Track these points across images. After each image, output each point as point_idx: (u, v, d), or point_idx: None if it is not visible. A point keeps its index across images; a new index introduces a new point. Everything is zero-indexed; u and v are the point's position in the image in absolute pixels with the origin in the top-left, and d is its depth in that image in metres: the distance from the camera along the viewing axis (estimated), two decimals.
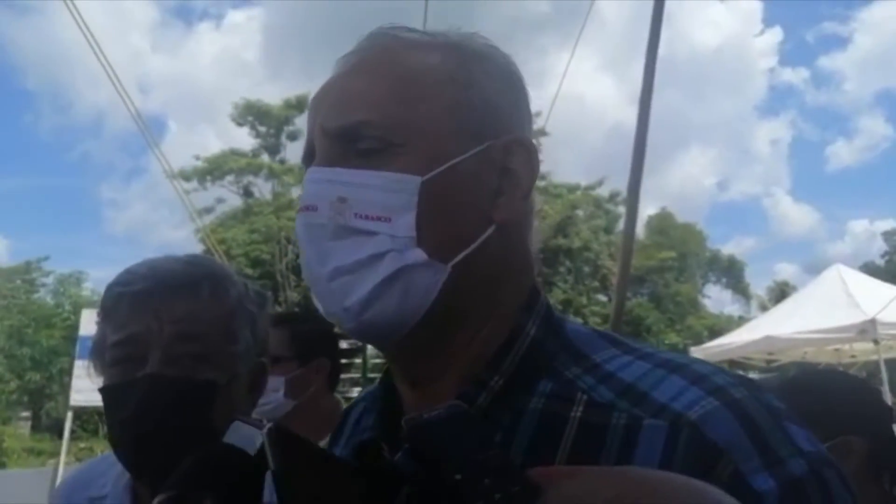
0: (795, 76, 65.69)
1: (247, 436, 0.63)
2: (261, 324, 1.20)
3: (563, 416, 0.63)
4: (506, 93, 0.74)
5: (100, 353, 1.12)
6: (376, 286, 0.65)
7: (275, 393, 2.26)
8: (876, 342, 8.37)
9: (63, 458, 10.84)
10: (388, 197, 0.65)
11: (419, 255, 0.65)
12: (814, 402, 1.55)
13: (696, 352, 11.08)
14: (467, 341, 0.69)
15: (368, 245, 0.65)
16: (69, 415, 11.06)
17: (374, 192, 0.66)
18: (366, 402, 0.86)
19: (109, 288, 1.13)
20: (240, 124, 27.92)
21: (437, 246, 0.66)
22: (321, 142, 0.70)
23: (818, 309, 9.30)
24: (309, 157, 0.72)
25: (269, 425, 0.60)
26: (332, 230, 0.66)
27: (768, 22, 67.61)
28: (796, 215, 62.26)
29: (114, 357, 1.07)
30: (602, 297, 27.23)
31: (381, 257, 0.65)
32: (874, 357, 8.86)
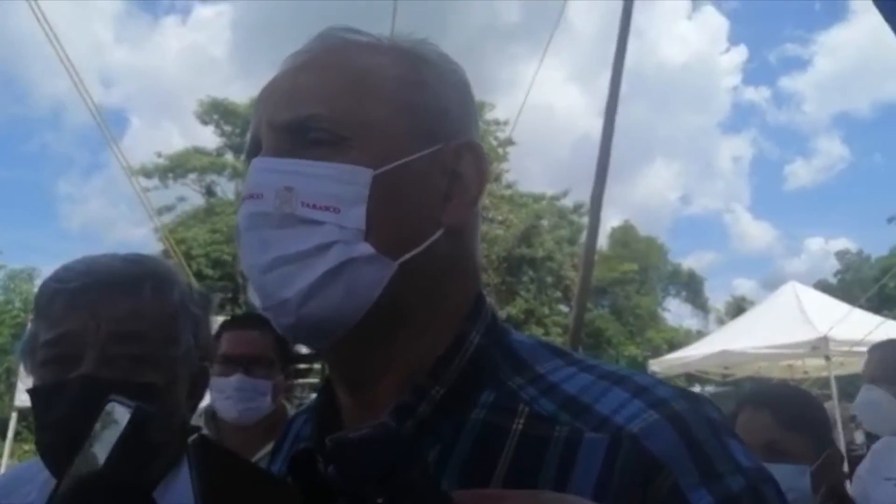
0: (758, 95, 67.10)
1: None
2: (204, 326, 1.17)
3: (504, 428, 0.62)
4: (456, 98, 0.74)
5: (31, 351, 1.07)
6: (319, 277, 0.63)
7: (262, 397, 2.22)
8: (827, 358, 8.59)
9: (5, 460, 10.52)
10: (338, 187, 0.64)
11: (367, 248, 0.64)
12: (814, 412, 1.60)
13: (655, 364, 11.24)
14: (408, 345, 0.68)
15: (314, 235, 0.63)
16: (13, 415, 10.72)
17: (323, 182, 0.64)
18: (308, 412, 0.83)
19: (45, 284, 1.09)
20: (205, 122, 27.51)
21: (385, 242, 0.64)
22: (268, 136, 0.69)
23: (773, 325, 9.52)
24: (253, 153, 0.71)
25: (192, 437, 0.56)
26: (277, 219, 0.64)
27: (734, 40, 69.34)
28: (755, 231, 63.74)
29: (45, 356, 1.03)
30: (564, 308, 27.43)
31: (328, 248, 0.63)
32: (825, 373, 9.07)
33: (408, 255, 0.66)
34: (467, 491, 0.46)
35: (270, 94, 0.71)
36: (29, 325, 1.12)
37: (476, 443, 0.62)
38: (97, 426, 0.62)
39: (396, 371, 0.67)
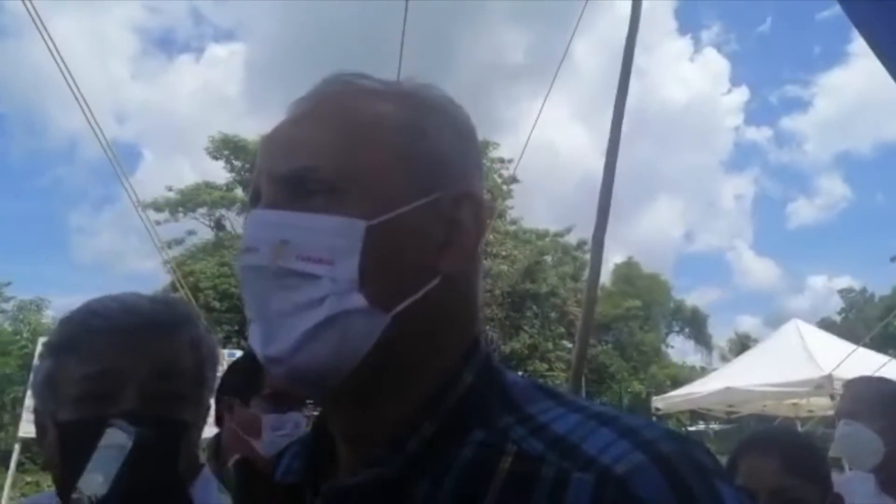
0: (759, 135, 67.83)
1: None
2: (218, 367, 1.22)
3: (491, 467, 0.61)
4: (457, 145, 0.74)
5: (54, 386, 1.07)
6: (310, 329, 0.63)
7: (296, 428, 2.22)
8: (832, 398, 8.50)
9: (7, 491, 10.45)
10: (332, 240, 0.64)
11: (359, 300, 0.64)
12: (819, 458, 1.61)
13: (659, 401, 11.17)
14: (402, 390, 0.67)
15: (308, 288, 0.64)
16: (17, 447, 10.69)
17: (317, 235, 0.65)
18: (297, 444, 0.83)
19: (79, 319, 1.10)
20: (215, 157, 27.82)
21: (378, 293, 0.65)
22: (267, 187, 0.69)
23: (777, 363, 9.45)
24: (255, 200, 0.72)
25: (235, 458, 0.62)
26: (271, 272, 0.65)
27: (735, 81, 69.95)
28: (758, 269, 63.62)
29: (83, 392, 1.04)
30: (568, 343, 27.27)
31: (321, 301, 0.63)
32: (830, 412, 9.00)
33: (402, 306, 0.65)
34: None
35: (270, 144, 0.72)
36: (44, 359, 1.11)
37: (463, 480, 0.61)
38: (99, 449, 0.64)
39: (389, 414, 0.67)
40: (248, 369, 2.29)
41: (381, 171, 0.68)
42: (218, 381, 1.28)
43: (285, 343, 0.64)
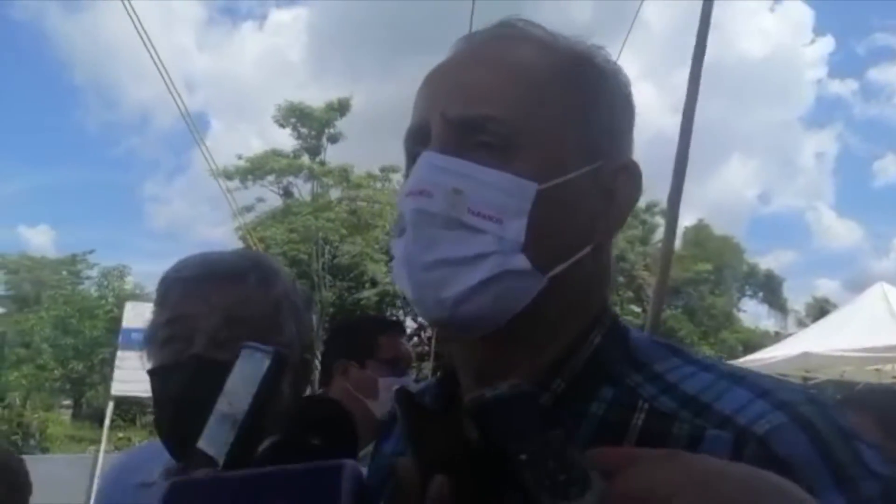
0: (844, 87, 63.99)
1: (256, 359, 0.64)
2: (305, 320, 1.22)
3: (623, 423, 0.62)
4: (623, 115, 0.74)
5: (152, 336, 1.15)
6: (475, 285, 0.65)
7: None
8: None
9: (104, 445, 11.15)
10: (503, 198, 0.65)
11: (522, 261, 0.65)
12: None
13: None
14: (541, 346, 0.70)
15: (476, 243, 0.65)
16: (110, 404, 11.38)
17: (490, 191, 0.65)
18: (419, 398, 0.83)
19: (165, 275, 1.18)
20: (282, 125, 28.32)
21: (539, 255, 0.66)
22: (440, 128, 0.68)
23: (860, 327, 9.10)
24: (417, 137, 0.71)
25: (396, 387, 0.63)
26: (443, 220, 0.65)
27: (819, 31, 65.84)
28: (839, 230, 60.63)
29: (164, 336, 1.11)
30: (636, 308, 26.91)
31: (486, 257, 0.65)
32: None
33: (558, 269, 0.67)
34: (606, 448, 0.47)
35: (444, 81, 0.71)
36: (151, 318, 1.18)
37: (596, 435, 0.62)
38: (234, 370, 0.66)
39: (525, 366, 0.68)
40: (360, 333, 2.38)
41: (556, 132, 0.68)
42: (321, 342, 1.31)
43: (448, 293, 0.65)
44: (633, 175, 0.73)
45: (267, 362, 0.62)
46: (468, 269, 0.65)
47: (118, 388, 10.41)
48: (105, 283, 26.02)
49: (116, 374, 10.44)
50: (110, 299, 24.01)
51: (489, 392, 0.49)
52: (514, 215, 0.65)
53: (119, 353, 10.48)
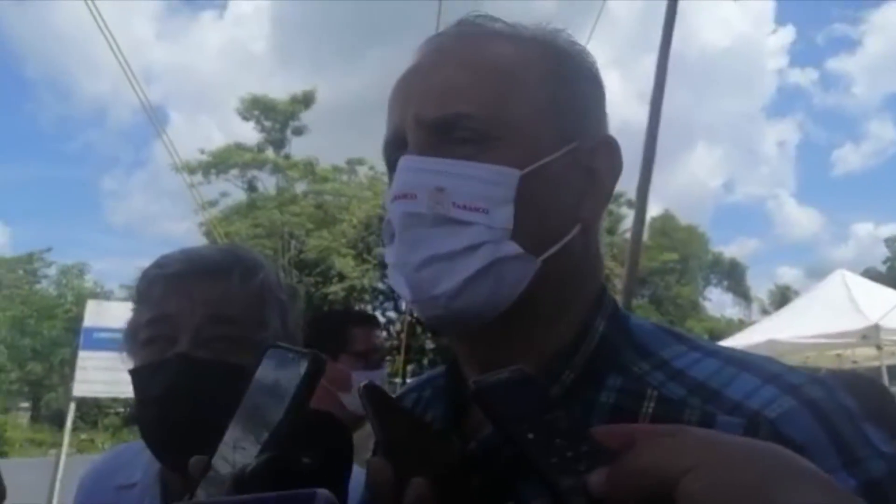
0: (804, 77, 65.61)
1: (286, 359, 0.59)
2: (291, 314, 1.19)
3: (633, 411, 0.63)
4: (592, 92, 0.75)
5: (133, 335, 1.11)
6: (470, 276, 0.65)
7: (383, 384, 2.30)
8: (879, 347, 8.37)
9: (65, 448, 10.88)
10: (487, 188, 0.66)
11: (513, 247, 0.66)
12: (889, 404, 1.56)
13: None
14: (542, 333, 0.70)
15: (464, 235, 0.65)
16: (72, 406, 11.09)
17: (472, 183, 0.66)
18: (419, 391, 0.86)
19: (146, 271, 1.14)
20: (245, 118, 27.97)
21: (529, 240, 0.66)
22: (415, 131, 0.69)
23: (821, 314, 9.31)
24: (394, 145, 0.72)
25: (363, 383, 0.61)
26: (430, 219, 0.66)
27: (780, 21, 67.19)
28: (800, 218, 62.40)
29: (146, 336, 1.08)
30: None
31: (477, 248, 0.65)
32: (876, 363, 8.85)
33: (550, 252, 0.67)
34: (612, 426, 0.47)
35: (414, 85, 0.72)
36: (131, 315, 1.15)
37: (608, 424, 0.62)
38: (259, 373, 0.61)
39: (530, 356, 0.68)
40: (333, 325, 2.34)
41: (530, 119, 0.69)
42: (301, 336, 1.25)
43: (443, 288, 0.66)
44: (611, 150, 0.73)
45: (304, 366, 0.56)
46: (461, 261, 0.66)
47: (79, 389, 10.15)
48: (63, 281, 25.48)
49: (78, 374, 10.17)
50: (69, 298, 23.50)
51: (492, 376, 0.50)
52: (500, 203, 0.66)
53: (80, 354, 10.22)
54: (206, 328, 1.05)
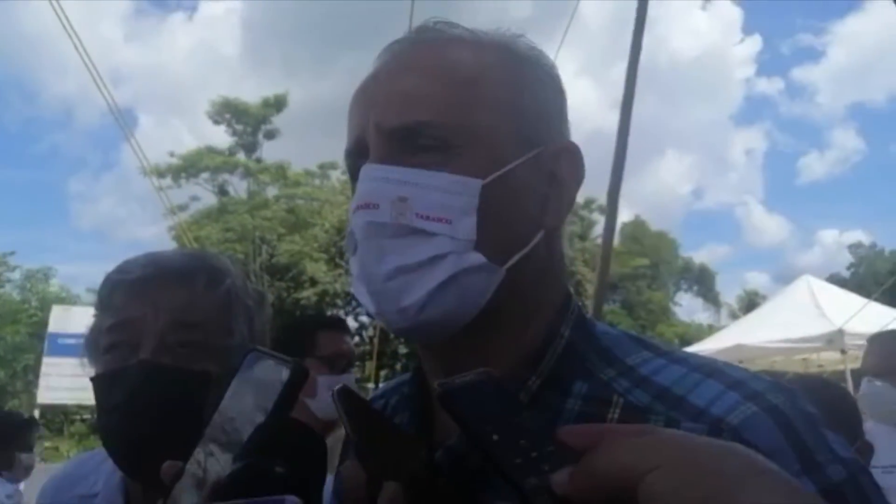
0: (771, 86, 66.88)
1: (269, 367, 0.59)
2: (258, 320, 1.18)
3: (599, 419, 0.63)
4: (553, 98, 0.75)
5: (94, 342, 1.09)
6: (434, 288, 0.65)
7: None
8: (843, 352, 8.56)
9: None
10: (449, 198, 0.65)
11: (478, 258, 0.65)
12: (846, 404, 1.60)
13: None
14: (509, 340, 0.70)
15: (429, 246, 0.65)
16: (36, 412, 10.85)
17: (435, 193, 0.65)
18: (386, 398, 0.86)
19: (108, 276, 1.11)
20: (216, 122, 27.69)
21: (493, 249, 0.66)
22: (376, 140, 0.68)
23: (787, 319, 9.49)
24: (356, 153, 0.71)
25: (338, 387, 0.60)
26: (392, 228, 0.65)
27: (748, 31, 68.38)
28: (768, 225, 63.55)
29: (108, 342, 1.05)
30: None
31: (442, 259, 0.65)
32: (840, 367, 9.05)
33: (514, 260, 0.67)
34: (577, 426, 0.47)
35: (375, 94, 0.71)
36: (93, 321, 1.12)
37: None
38: (237, 378, 0.60)
39: (496, 363, 0.65)
40: (300, 330, 2.32)
41: (492, 126, 0.69)
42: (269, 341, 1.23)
43: (410, 300, 0.65)
44: (573, 156, 0.73)
45: (285, 373, 0.57)
46: (426, 272, 0.65)
47: (44, 395, 9.98)
48: (28, 285, 24.85)
49: (42, 381, 10.02)
50: (34, 303, 22.95)
51: (458, 378, 0.50)
52: (463, 213, 0.65)
53: (45, 360, 10.03)
54: (170, 334, 1.03)
